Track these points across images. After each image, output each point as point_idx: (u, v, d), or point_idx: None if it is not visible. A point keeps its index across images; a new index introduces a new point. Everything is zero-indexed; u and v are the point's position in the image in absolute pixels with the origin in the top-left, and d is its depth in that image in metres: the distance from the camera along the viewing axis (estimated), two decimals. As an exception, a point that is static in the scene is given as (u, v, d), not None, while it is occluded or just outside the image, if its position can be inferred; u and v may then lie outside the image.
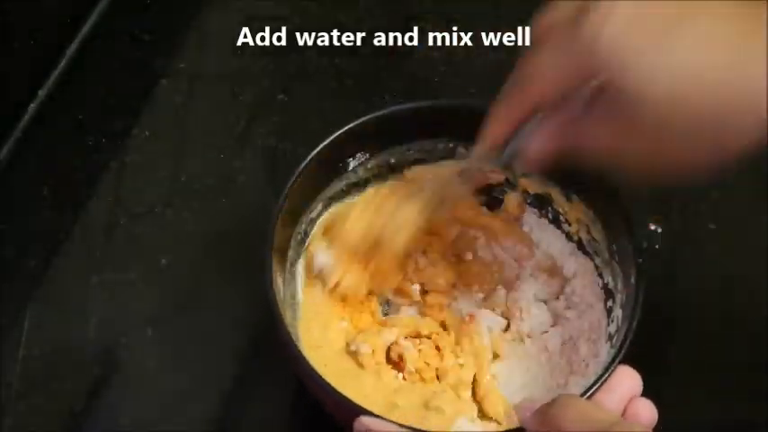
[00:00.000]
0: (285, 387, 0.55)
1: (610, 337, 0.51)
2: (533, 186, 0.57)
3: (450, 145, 0.56)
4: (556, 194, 0.56)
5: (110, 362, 0.57)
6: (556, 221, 0.57)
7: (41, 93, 0.68)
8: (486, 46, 0.70)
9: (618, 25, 0.36)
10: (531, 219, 0.58)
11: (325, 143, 0.53)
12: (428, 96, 0.67)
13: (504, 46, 0.70)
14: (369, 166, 0.56)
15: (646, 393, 0.45)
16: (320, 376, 0.45)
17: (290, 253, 0.54)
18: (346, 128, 0.54)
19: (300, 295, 0.55)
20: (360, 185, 0.57)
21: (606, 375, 0.44)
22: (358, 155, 0.56)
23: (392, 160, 0.57)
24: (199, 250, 0.61)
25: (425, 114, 0.55)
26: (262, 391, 0.56)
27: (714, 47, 0.35)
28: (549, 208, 0.57)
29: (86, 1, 0.71)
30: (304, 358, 0.46)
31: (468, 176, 0.52)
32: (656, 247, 0.60)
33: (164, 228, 0.62)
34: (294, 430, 0.56)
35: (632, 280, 0.49)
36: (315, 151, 0.53)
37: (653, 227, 0.60)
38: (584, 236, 0.55)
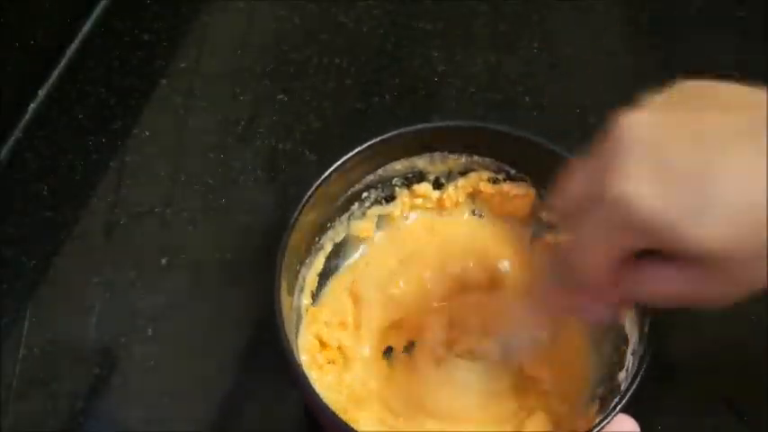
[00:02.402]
0: (285, 387, 0.55)
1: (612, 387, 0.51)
2: None
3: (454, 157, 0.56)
4: None
5: (110, 362, 0.57)
6: None
7: (41, 93, 0.68)
8: (486, 45, 0.70)
9: (648, 196, 0.35)
10: None
11: (347, 157, 0.53)
12: (428, 96, 0.68)
13: (504, 45, 0.70)
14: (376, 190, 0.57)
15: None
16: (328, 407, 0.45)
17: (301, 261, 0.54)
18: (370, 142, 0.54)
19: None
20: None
21: (606, 422, 0.44)
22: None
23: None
24: (199, 250, 0.61)
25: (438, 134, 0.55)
26: (262, 392, 0.56)
27: (752, 176, 0.34)
28: None
29: (86, 1, 0.71)
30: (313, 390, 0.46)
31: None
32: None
33: (164, 228, 0.62)
34: (295, 430, 0.56)
35: (645, 329, 0.48)
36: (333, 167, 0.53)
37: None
38: None
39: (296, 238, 0.51)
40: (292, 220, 0.50)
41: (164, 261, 0.61)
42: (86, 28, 0.71)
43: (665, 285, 0.38)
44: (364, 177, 0.56)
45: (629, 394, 0.46)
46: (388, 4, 0.73)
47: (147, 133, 0.66)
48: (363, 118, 0.67)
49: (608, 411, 0.45)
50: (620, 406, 0.45)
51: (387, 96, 0.68)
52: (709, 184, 0.34)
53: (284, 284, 0.49)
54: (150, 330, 0.58)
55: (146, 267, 0.60)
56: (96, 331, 0.58)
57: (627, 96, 0.40)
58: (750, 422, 0.54)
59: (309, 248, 0.54)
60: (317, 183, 0.52)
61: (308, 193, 0.51)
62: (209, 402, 0.56)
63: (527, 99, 0.67)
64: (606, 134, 0.37)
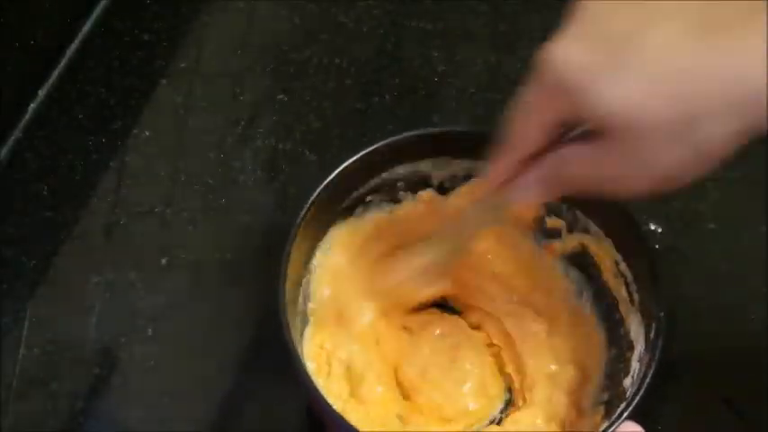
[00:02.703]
0: (286, 387, 0.55)
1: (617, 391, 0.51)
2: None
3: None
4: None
5: (110, 362, 0.57)
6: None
7: (41, 93, 0.68)
8: (486, 45, 0.70)
9: (575, 53, 0.37)
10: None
11: (354, 159, 0.53)
12: (428, 96, 0.68)
13: (504, 45, 0.70)
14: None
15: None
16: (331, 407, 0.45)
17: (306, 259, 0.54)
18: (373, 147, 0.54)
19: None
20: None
21: (612, 428, 0.44)
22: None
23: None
24: (199, 250, 0.61)
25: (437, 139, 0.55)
26: (262, 392, 0.56)
27: (672, 53, 0.35)
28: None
29: (86, 1, 0.71)
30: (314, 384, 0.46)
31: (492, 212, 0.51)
32: (656, 247, 0.60)
33: (164, 228, 0.62)
34: (295, 430, 0.56)
35: (651, 335, 0.48)
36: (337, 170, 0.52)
37: (653, 227, 0.60)
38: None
39: (299, 244, 0.50)
40: (295, 226, 0.50)
41: (164, 261, 0.61)
42: (86, 28, 0.71)
43: (579, 165, 0.40)
44: (368, 181, 0.55)
45: (635, 401, 0.45)
46: (388, 4, 0.73)
47: (147, 133, 0.66)
48: (363, 118, 0.67)
49: (614, 418, 0.45)
50: (626, 413, 0.45)
51: (387, 96, 0.68)
52: (633, 47, 0.35)
53: (288, 287, 0.49)
54: (150, 330, 0.58)
55: (146, 267, 0.60)
56: (96, 331, 0.58)
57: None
58: (750, 422, 0.54)
59: (312, 253, 0.54)
60: (320, 187, 0.51)
61: (311, 198, 0.51)
62: (209, 402, 0.56)
63: (527, 99, 0.67)
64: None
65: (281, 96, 0.68)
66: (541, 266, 0.57)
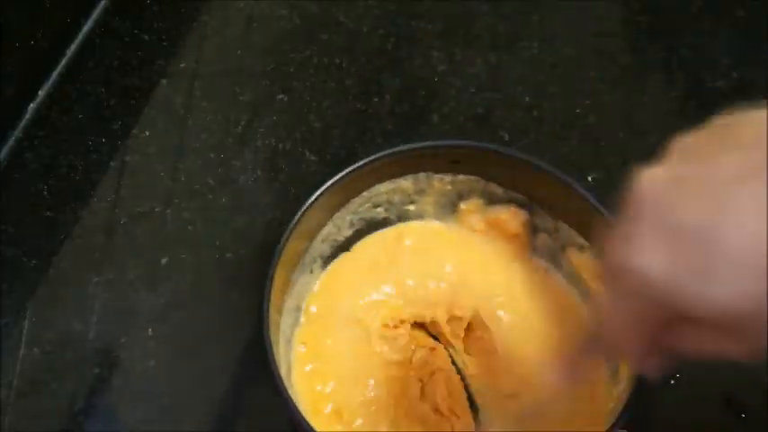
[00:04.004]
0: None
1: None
2: None
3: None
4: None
5: (110, 362, 0.57)
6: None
7: (41, 93, 0.68)
8: (486, 45, 0.70)
9: (658, 262, 0.34)
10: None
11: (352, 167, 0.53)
12: (428, 96, 0.68)
13: (504, 45, 0.70)
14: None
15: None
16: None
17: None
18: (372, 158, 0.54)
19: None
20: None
21: None
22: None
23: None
24: (199, 250, 0.61)
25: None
26: (262, 391, 0.56)
27: (754, 238, 0.32)
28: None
29: (86, 1, 0.71)
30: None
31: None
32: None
33: (164, 228, 0.62)
34: (295, 430, 0.56)
35: None
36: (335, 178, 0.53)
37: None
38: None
39: (280, 273, 0.51)
40: (275, 257, 0.50)
41: (164, 261, 0.61)
42: (86, 28, 0.71)
43: (696, 345, 0.37)
44: (348, 202, 0.55)
45: (626, 410, 0.45)
46: (388, 4, 0.73)
47: (147, 133, 0.66)
48: (363, 118, 0.67)
49: (607, 428, 0.45)
50: (618, 423, 0.45)
51: (387, 96, 0.68)
52: (713, 243, 0.33)
53: (272, 311, 0.49)
54: (150, 330, 0.58)
55: (146, 267, 0.60)
56: (96, 331, 0.58)
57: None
58: (750, 421, 0.54)
59: (291, 281, 0.54)
60: (299, 214, 0.51)
61: (290, 227, 0.51)
62: (208, 402, 0.56)
63: (527, 99, 0.67)
64: (627, 196, 0.36)
65: (281, 96, 0.68)
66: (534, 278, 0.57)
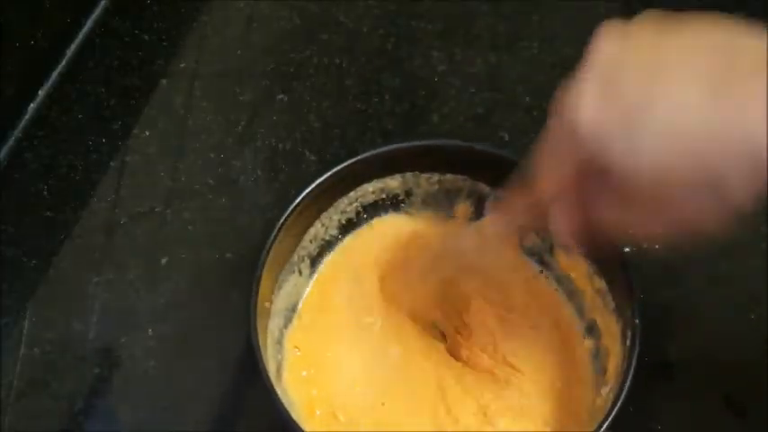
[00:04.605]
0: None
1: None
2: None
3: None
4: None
5: (110, 362, 0.57)
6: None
7: (41, 93, 0.68)
8: (486, 45, 0.70)
9: (590, 110, 0.37)
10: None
11: (340, 166, 0.54)
12: (428, 96, 0.68)
13: (504, 45, 0.70)
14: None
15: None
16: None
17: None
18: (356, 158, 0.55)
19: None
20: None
21: None
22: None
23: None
24: (199, 250, 0.61)
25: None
26: (262, 391, 0.56)
27: (689, 109, 0.36)
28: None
29: (86, 1, 0.71)
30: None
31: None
32: (656, 247, 0.60)
33: (164, 228, 0.62)
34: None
35: (628, 341, 0.48)
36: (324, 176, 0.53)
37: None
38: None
39: (267, 277, 0.51)
40: (261, 260, 0.50)
41: (164, 261, 0.61)
42: (86, 28, 0.71)
43: (605, 209, 0.40)
44: (335, 202, 0.56)
45: (614, 412, 0.45)
46: (388, 4, 0.72)
47: (147, 133, 0.66)
48: (363, 118, 0.67)
49: (594, 429, 0.45)
50: (605, 424, 0.45)
51: (387, 96, 0.68)
52: (647, 108, 0.36)
53: (260, 312, 0.50)
54: (150, 330, 0.58)
55: (146, 267, 0.60)
56: (96, 331, 0.58)
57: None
58: (750, 421, 0.54)
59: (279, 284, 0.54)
60: (284, 216, 0.52)
61: (277, 228, 0.51)
62: (208, 402, 0.56)
63: (527, 99, 0.67)
64: (587, 51, 0.39)
65: (281, 96, 0.68)
66: (524, 278, 0.57)
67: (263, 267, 0.50)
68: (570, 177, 0.40)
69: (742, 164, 0.35)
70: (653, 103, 0.36)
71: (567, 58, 0.69)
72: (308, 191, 0.53)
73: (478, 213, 0.56)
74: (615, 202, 0.39)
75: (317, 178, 0.54)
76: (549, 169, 0.42)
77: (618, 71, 0.38)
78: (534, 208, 0.45)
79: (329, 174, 0.53)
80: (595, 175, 0.39)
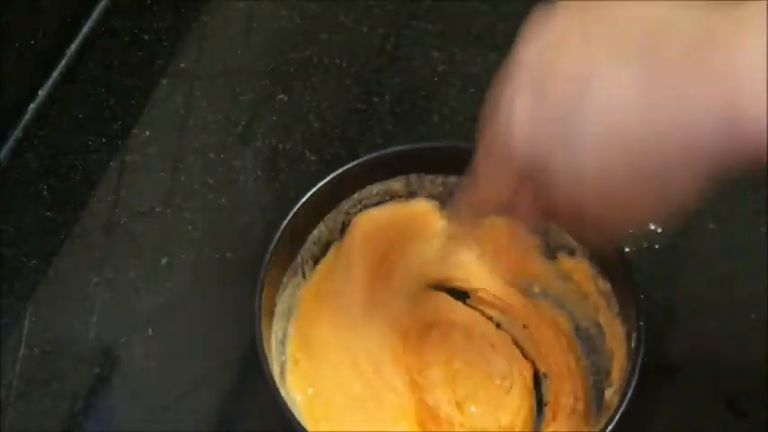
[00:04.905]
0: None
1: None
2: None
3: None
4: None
5: (110, 362, 0.57)
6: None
7: (41, 93, 0.68)
8: (486, 45, 0.70)
9: (523, 123, 0.36)
10: None
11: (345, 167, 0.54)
12: (428, 96, 0.68)
13: (504, 45, 0.70)
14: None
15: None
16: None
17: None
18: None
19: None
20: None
21: None
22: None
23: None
24: (199, 250, 0.61)
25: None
26: (262, 391, 0.56)
27: (621, 109, 0.33)
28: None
29: (86, 1, 0.71)
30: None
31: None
32: (656, 247, 0.60)
33: (164, 228, 0.62)
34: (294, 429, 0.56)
35: (632, 343, 0.48)
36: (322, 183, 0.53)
37: (652, 227, 0.60)
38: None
39: (272, 275, 0.51)
40: (265, 262, 0.50)
41: (164, 261, 0.61)
42: (86, 28, 0.71)
43: (556, 203, 0.38)
44: (339, 204, 0.55)
45: (618, 414, 0.45)
46: (388, 4, 0.72)
47: (147, 133, 0.66)
48: (363, 118, 0.67)
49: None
50: (610, 426, 0.45)
51: (387, 96, 0.68)
52: (578, 113, 0.34)
53: (264, 314, 0.50)
54: (150, 330, 0.58)
55: (146, 267, 0.60)
56: (96, 331, 0.58)
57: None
58: (750, 421, 0.54)
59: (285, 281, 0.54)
60: (288, 218, 0.51)
61: (280, 230, 0.51)
62: (209, 402, 0.56)
63: (527, 99, 0.67)
64: (510, 60, 0.38)
65: (281, 96, 0.68)
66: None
67: (268, 269, 0.50)
68: (511, 183, 0.39)
69: (683, 158, 0.33)
70: (583, 107, 0.34)
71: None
72: (311, 192, 0.52)
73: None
74: (562, 200, 0.38)
75: (317, 178, 0.54)
76: (488, 179, 0.40)
77: (546, 72, 0.36)
78: (486, 204, 0.43)
79: (333, 175, 0.53)
80: (537, 179, 0.37)
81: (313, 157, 0.65)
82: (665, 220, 0.37)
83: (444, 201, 0.57)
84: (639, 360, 0.47)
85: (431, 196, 0.57)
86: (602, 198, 0.36)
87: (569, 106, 0.34)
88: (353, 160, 0.55)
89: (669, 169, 0.34)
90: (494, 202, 0.41)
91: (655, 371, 0.52)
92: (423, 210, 0.57)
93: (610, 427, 0.45)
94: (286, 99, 0.68)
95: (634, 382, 0.46)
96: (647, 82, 0.33)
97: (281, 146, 0.65)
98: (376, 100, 0.68)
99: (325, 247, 0.57)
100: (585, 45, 0.35)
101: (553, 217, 0.41)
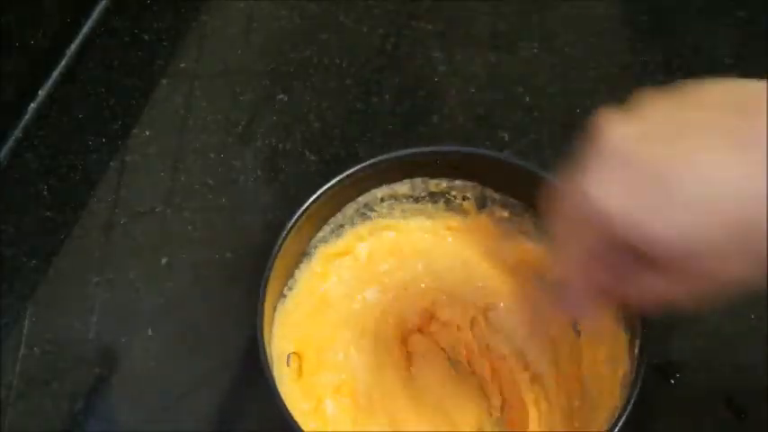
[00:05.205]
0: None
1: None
2: None
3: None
4: None
5: (110, 362, 0.57)
6: None
7: (41, 93, 0.68)
8: (486, 45, 0.70)
9: (619, 197, 0.36)
10: None
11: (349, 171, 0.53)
12: (428, 96, 0.68)
13: (504, 45, 0.70)
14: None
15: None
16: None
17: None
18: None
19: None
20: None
21: None
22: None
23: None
24: (199, 250, 0.61)
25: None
26: (262, 391, 0.56)
27: (716, 176, 0.35)
28: None
29: (86, 1, 0.71)
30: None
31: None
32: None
33: (164, 228, 0.62)
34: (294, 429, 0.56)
35: (636, 351, 0.48)
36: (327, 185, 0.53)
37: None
38: None
39: (275, 278, 0.51)
40: (268, 267, 0.50)
41: (164, 261, 0.61)
42: (86, 28, 0.71)
43: (647, 287, 0.39)
44: (343, 207, 0.55)
45: (621, 421, 0.45)
46: (388, 4, 0.72)
47: (147, 133, 0.66)
48: (363, 118, 0.67)
49: None
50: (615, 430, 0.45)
51: (387, 96, 0.68)
52: (672, 181, 0.35)
53: (266, 315, 0.50)
54: (150, 330, 0.58)
55: (146, 267, 0.60)
56: (96, 331, 0.58)
57: (627, 96, 0.40)
58: (750, 421, 0.54)
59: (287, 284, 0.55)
60: (293, 220, 0.51)
61: (284, 233, 0.51)
62: (208, 402, 0.56)
63: (527, 99, 0.67)
64: (591, 139, 0.38)
65: (281, 96, 0.68)
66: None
67: (271, 271, 0.50)
68: (588, 257, 0.39)
69: None
70: (680, 177, 0.35)
71: (567, 58, 0.69)
72: (315, 196, 0.52)
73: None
74: (653, 277, 0.38)
75: (317, 178, 0.54)
76: (569, 253, 0.40)
77: (634, 152, 0.36)
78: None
79: (338, 178, 0.53)
80: (618, 251, 0.38)
81: (313, 157, 0.65)
82: (743, 288, 0.37)
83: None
84: (644, 367, 0.46)
85: (435, 200, 0.57)
86: (685, 265, 0.36)
87: (663, 177, 0.35)
88: (353, 160, 0.54)
89: (763, 235, 0.35)
90: (572, 273, 0.41)
91: (654, 371, 0.52)
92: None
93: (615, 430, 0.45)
94: (286, 99, 0.68)
95: (638, 389, 0.46)
96: (739, 149, 0.34)
97: (281, 146, 0.66)
98: (376, 100, 0.68)
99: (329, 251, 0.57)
100: (669, 121, 0.37)
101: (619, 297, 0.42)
